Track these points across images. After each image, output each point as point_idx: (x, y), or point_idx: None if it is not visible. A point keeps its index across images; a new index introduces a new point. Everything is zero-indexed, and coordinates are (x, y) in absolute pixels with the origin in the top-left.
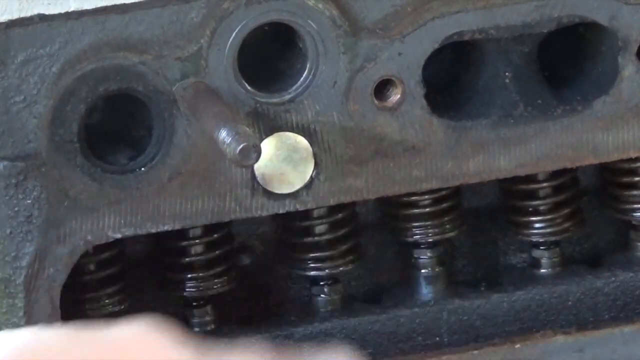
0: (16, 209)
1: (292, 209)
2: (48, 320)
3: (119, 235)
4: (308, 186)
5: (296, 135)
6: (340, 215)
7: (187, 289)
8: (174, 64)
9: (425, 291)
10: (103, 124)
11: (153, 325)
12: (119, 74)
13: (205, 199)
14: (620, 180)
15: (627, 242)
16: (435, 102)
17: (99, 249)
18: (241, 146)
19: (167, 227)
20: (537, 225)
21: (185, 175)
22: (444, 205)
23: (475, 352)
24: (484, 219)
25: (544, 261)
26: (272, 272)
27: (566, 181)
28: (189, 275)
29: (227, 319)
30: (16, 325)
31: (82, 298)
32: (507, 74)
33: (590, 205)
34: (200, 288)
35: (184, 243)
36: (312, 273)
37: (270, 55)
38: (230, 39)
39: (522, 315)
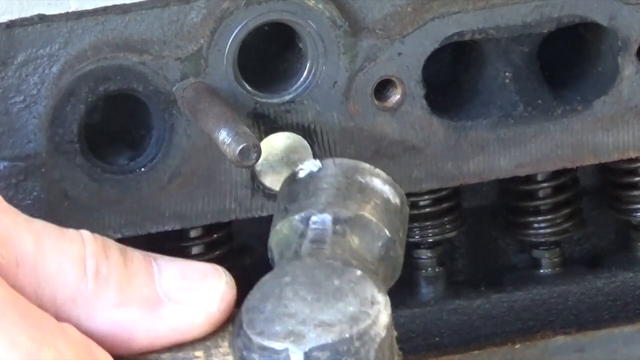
0: (16, 209)
1: None
2: None
3: (119, 236)
4: None
5: (296, 135)
6: None
7: None
8: (174, 64)
9: (425, 291)
10: (103, 124)
11: None
12: (119, 74)
13: (206, 199)
14: (620, 181)
15: (627, 242)
16: (435, 102)
17: None
18: (241, 146)
19: (167, 228)
20: (537, 225)
21: (185, 176)
22: (444, 205)
23: (475, 352)
24: (484, 219)
25: (544, 261)
26: None
27: (566, 181)
28: None
29: None
30: None
31: None
32: (507, 74)
33: (590, 205)
34: None
35: (185, 244)
36: None
37: (270, 56)
38: (230, 39)
39: (522, 315)
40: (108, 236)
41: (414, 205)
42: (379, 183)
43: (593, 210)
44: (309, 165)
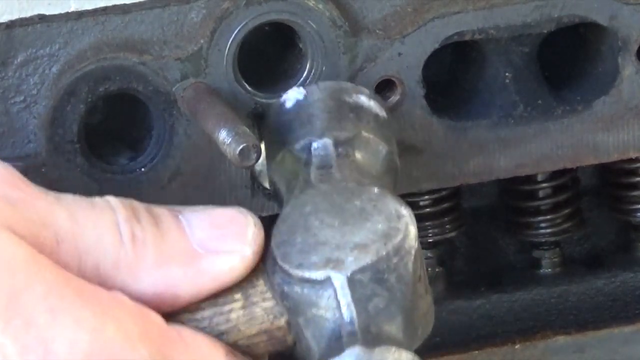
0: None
1: None
2: None
3: None
4: None
5: None
6: None
7: None
8: (174, 64)
9: None
10: (103, 124)
11: None
12: (119, 74)
13: (206, 199)
14: (620, 181)
15: (627, 242)
16: (435, 102)
17: None
18: (241, 146)
19: None
20: (537, 225)
21: (185, 176)
22: (444, 205)
23: (475, 352)
24: (484, 219)
25: (544, 261)
26: None
27: (566, 181)
28: None
29: None
30: None
31: None
32: (507, 74)
33: (590, 205)
34: None
35: None
36: None
37: (270, 56)
38: (230, 39)
39: (522, 315)
40: None
41: (413, 206)
42: (365, 100)
43: (593, 210)
44: (294, 94)
